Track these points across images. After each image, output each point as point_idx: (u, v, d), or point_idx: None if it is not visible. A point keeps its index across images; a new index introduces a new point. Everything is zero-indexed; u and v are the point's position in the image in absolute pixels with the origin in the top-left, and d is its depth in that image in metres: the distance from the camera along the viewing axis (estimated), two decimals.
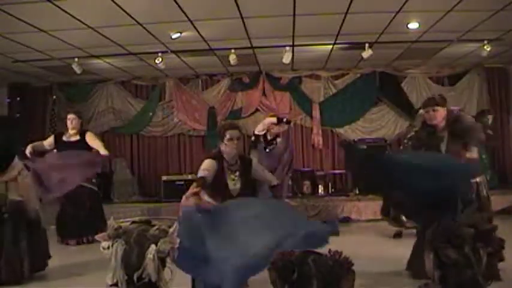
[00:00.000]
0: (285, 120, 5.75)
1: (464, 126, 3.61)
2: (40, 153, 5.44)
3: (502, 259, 3.28)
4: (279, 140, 5.83)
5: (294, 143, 8.72)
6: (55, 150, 5.47)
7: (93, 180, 5.63)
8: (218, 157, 3.13)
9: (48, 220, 6.54)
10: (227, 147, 3.06)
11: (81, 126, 5.63)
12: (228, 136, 3.05)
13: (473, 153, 3.63)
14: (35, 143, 5.47)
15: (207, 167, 3.02)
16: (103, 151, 5.30)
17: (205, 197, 2.96)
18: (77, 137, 5.49)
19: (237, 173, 3.09)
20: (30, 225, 4.02)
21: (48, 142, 5.54)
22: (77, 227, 5.48)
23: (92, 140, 5.47)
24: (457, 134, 3.62)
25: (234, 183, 3.08)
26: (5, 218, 3.89)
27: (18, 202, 3.98)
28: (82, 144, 5.40)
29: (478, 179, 3.71)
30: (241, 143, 2.97)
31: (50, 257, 4.23)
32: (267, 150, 5.75)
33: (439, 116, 3.70)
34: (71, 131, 5.51)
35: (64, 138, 5.51)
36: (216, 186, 3.03)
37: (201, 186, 2.81)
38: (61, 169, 4.64)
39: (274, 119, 5.67)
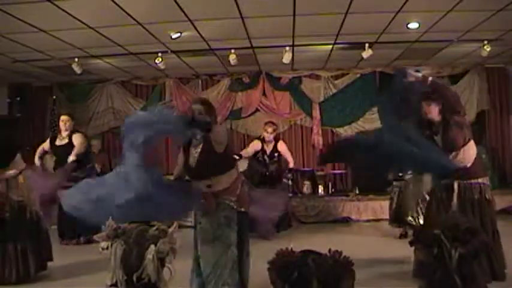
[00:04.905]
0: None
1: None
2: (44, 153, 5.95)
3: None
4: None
5: (294, 143, 8.79)
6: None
7: None
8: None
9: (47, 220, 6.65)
10: None
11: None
12: None
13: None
14: (38, 153, 5.86)
15: None
16: (73, 156, 5.52)
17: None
18: (66, 140, 5.74)
19: (199, 148, 3.11)
20: (31, 225, 4.03)
21: (46, 145, 5.89)
22: (76, 227, 5.47)
23: (76, 141, 5.69)
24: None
25: (193, 156, 3.14)
26: (6, 217, 3.90)
27: (19, 202, 3.98)
28: (69, 148, 5.63)
29: (480, 180, 3.54)
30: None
31: (52, 257, 4.24)
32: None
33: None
34: (63, 133, 5.80)
35: (57, 142, 5.82)
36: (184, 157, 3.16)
37: None
38: None
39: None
